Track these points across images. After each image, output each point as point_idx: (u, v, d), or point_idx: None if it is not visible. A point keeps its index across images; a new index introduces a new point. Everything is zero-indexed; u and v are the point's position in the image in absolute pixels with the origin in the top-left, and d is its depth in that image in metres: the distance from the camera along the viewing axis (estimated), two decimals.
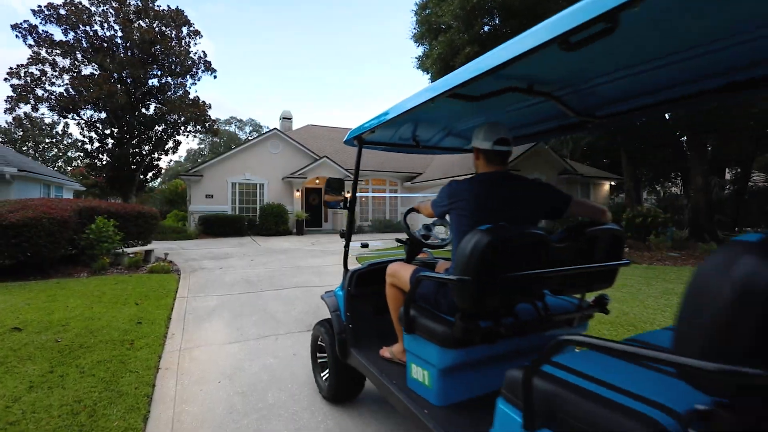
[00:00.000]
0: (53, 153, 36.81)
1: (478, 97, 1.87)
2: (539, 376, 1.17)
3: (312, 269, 8.47)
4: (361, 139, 2.71)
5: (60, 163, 37.13)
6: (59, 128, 33.50)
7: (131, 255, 8.48)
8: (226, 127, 58.43)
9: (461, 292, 1.61)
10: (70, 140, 26.10)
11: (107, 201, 11.69)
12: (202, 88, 77.51)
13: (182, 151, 68.83)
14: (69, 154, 36.52)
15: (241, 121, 60.05)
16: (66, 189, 21.53)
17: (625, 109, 1.98)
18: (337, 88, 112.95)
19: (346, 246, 2.88)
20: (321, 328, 2.89)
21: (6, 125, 31.94)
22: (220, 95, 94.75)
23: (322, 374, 2.97)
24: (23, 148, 34.23)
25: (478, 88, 1.79)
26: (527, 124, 2.51)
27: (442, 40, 11.36)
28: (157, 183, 43.91)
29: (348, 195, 2.83)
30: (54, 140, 35.57)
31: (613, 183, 21.55)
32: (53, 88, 14.75)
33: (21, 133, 33.30)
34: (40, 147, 35.90)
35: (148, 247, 9.57)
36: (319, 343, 3.01)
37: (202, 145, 54.50)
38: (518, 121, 2.43)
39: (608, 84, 1.72)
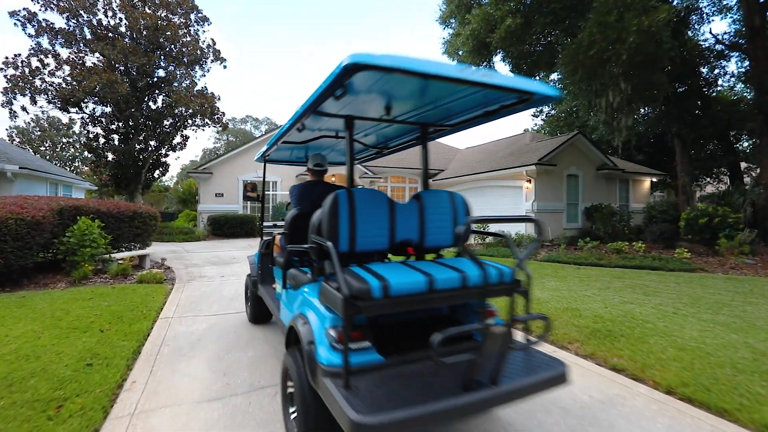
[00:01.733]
0: (70, 153, 36.75)
1: (302, 143, 3.62)
2: (293, 267, 3.05)
3: None
4: (264, 158, 4.22)
5: (77, 163, 37.08)
6: (76, 128, 33.33)
7: (120, 261, 7.38)
8: (242, 126, 58.12)
9: (285, 240, 3.33)
10: (86, 139, 25.65)
11: (97, 199, 10.64)
12: (215, 86, 77.68)
13: (198, 150, 69.09)
14: (86, 153, 36.43)
15: (257, 120, 59.65)
16: (76, 188, 20.92)
17: (404, 141, 3.59)
18: None
19: (260, 224, 4.94)
20: (248, 278, 4.65)
21: (24, 125, 31.97)
22: (237, 95, 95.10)
23: (248, 305, 4.69)
24: (41, 148, 34.27)
25: (300, 137, 3.43)
26: (368, 146, 3.90)
27: (476, 14, 9.92)
28: (172, 182, 43.68)
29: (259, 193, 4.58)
30: (70, 140, 35.47)
31: (654, 179, 19.65)
32: (53, 79, 13.90)
33: (39, 132, 33.28)
34: (58, 147, 35.88)
35: (143, 251, 8.47)
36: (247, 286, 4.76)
37: (218, 144, 54.23)
38: (376, 142, 3.77)
39: (384, 129, 3.22)
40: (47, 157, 33.24)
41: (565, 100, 24.14)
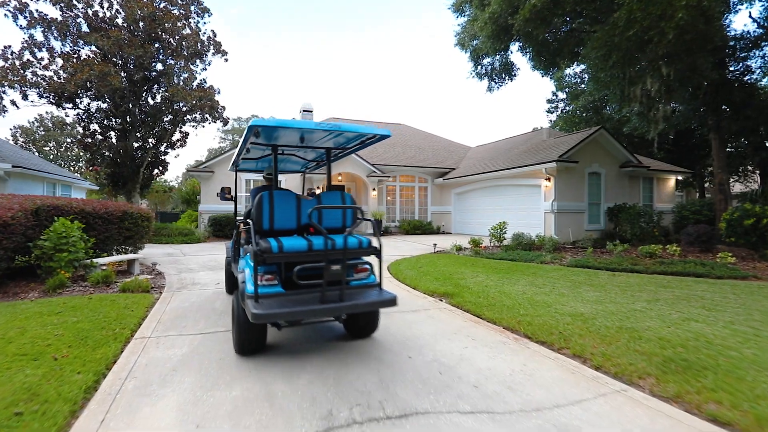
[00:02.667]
0: (74, 152, 36.43)
1: (260, 158, 5.10)
2: (248, 244, 4.01)
3: None
4: (236, 168, 5.60)
5: (81, 163, 36.74)
6: (79, 128, 32.95)
7: (104, 267, 6.64)
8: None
9: (243, 226, 4.45)
10: (80, 136, 25.13)
11: (82, 198, 9.90)
12: (220, 85, 77.42)
13: (203, 150, 68.80)
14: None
15: (263, 119, 59.11)
16: (76, 188, 20.40)
17: (331, 156, 4.68)
18: (359, 78, 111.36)
19: (235, 217, 6.24)
20: (226, 260, 5.93)
21: (28, 124, 31.63)
22: (243, 95, 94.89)
23: (226, 281, 6.05)
24: (45, 148, 33.95)
25: (257, 155, 4.86)
26: (309, 161, 5.49)
27: None
28: (177, 182, 43.23)
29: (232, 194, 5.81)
30: (74, 140, 35.15)
31: (679, 177, 18.60)
32: (45, 72, 13.25)
33: (43, 132, 32.94)
34: (62, 147, 35.56)
35: (132, 255, 7.73)
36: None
37: (224, 144, 53.79)
38: (315, 157, 5.31)
39: (314, 150, 4.64)
40: (51, 157, 32.93)
41: (582, 94, 23.13)
